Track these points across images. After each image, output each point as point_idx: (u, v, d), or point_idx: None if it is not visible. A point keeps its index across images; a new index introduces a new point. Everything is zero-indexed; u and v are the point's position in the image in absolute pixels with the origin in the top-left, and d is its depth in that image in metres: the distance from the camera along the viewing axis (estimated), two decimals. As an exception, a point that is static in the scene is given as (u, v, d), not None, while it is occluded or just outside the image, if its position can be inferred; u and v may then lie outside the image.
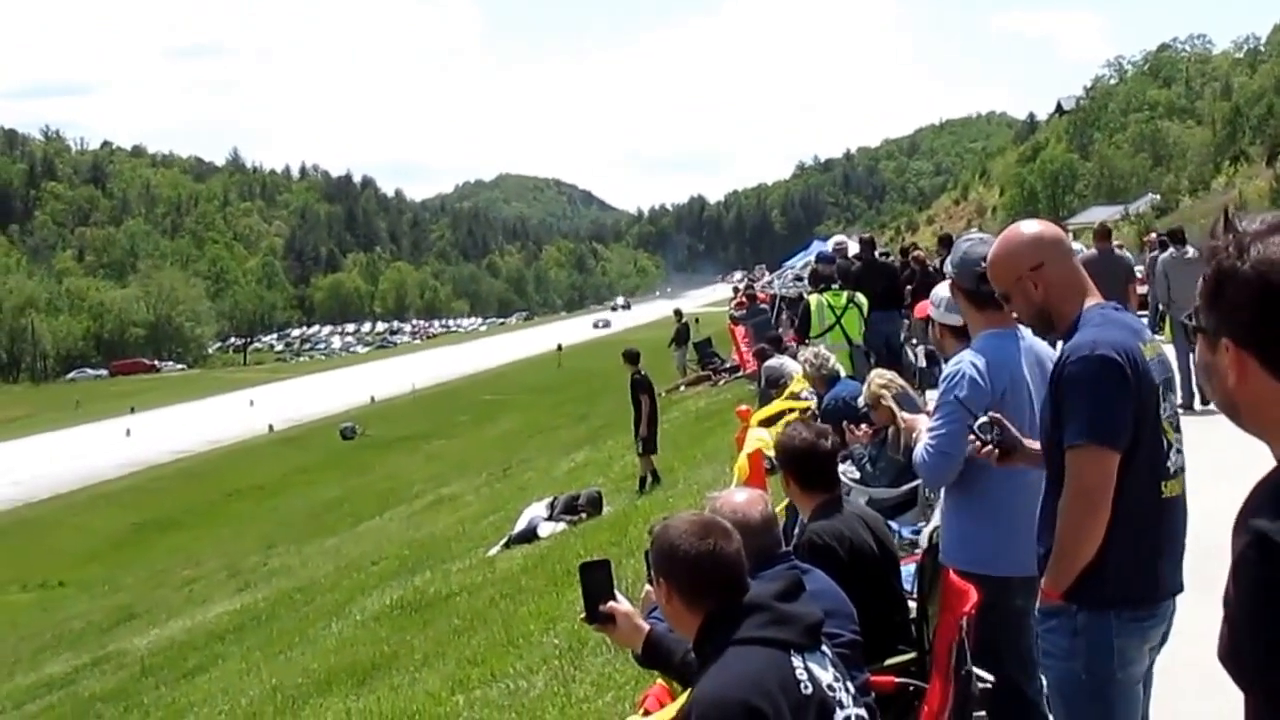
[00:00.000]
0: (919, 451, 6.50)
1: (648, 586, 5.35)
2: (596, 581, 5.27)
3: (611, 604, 5.25)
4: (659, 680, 5.62)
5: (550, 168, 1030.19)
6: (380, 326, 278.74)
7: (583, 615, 5.34)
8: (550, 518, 21.06)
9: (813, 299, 18.96)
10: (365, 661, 14.74)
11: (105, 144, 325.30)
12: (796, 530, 7.51)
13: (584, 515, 20.87)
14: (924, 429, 6.60)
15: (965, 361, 6.25)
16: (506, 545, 20.71)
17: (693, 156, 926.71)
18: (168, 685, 19.13)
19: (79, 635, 31.15)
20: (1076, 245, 20.96)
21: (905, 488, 10.41)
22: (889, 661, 6.19)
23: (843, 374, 13.25)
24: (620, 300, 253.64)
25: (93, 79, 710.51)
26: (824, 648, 4.38)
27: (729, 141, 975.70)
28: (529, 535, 20.65)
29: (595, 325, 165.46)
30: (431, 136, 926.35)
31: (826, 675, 4.26)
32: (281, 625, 21.24)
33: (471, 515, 29.40)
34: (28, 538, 53.73)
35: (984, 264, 6.02)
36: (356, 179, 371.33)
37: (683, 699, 5.01)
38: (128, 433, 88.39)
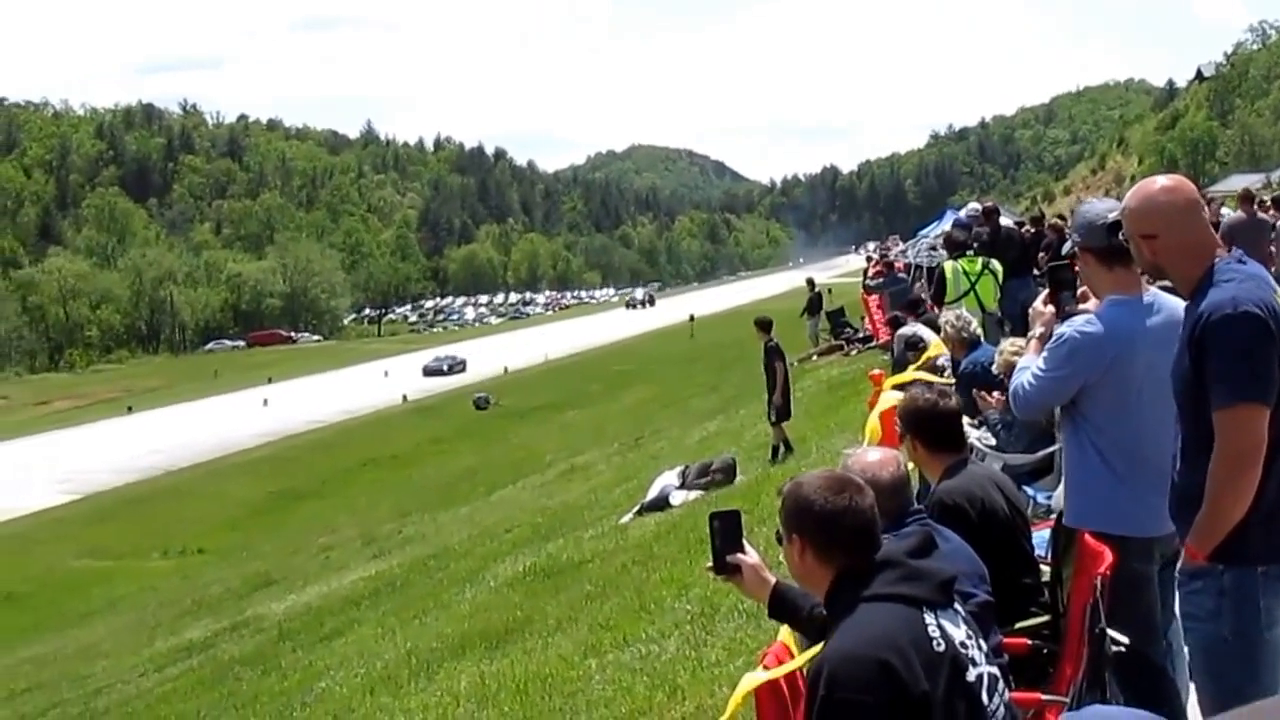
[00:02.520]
0: (1018, 380, 6.44)
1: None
2: (725, 532, 5.25)
3: (739, 555, 5.24)
4: (780, 637, 5.60)
5: (682, 138, 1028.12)
6: (513, 297, 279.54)
7: (709, 565, 5.33)
8: (682, 485, 21.08)
9: (948, 265, 18.84)
10: (498, 626, 14.83)
11: (241, 117, 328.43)
12: (928, 495, 7.46)
13: (716, 477, 20.86)
14: (1031, 355, 6.53)
15: (1076, 326, 6.16)
16: (639, 513, 20.74)
17: (826, 126, 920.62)
18: (305, 649, 19.34)
19: (218, 601, 31.57)
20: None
21: (1041, 453, 10.33)
22: (1021, 624, 6.15)
23: (983, 339, 13.16)
24: (639, 294, 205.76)
25: (225, 52, 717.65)
26: (956, 605, 4.35)
27: (862, 110, 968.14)
28: (661, 503, 20.66)
29: (430, 372, 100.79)
30: (563, 107, 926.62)
31: (959, 633, 4.23)
32: (416, 591, 21.40)
33: (604, 484, 29.49)
34: (167, 506, 54.54)
35: (1110, 215, 5.95)
36: (489, 150, 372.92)
37: (803, 656, 5.00)
38: (265, 403, 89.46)
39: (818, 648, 4.73)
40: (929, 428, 6.72)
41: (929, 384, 9.04)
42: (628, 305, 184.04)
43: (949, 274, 18.54)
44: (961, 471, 6.64)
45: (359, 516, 43.85)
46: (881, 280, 36.95)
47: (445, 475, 49.86)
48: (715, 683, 9.08)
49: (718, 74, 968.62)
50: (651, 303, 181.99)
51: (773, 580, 5.24)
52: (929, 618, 4.18)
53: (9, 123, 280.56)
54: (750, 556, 5.25)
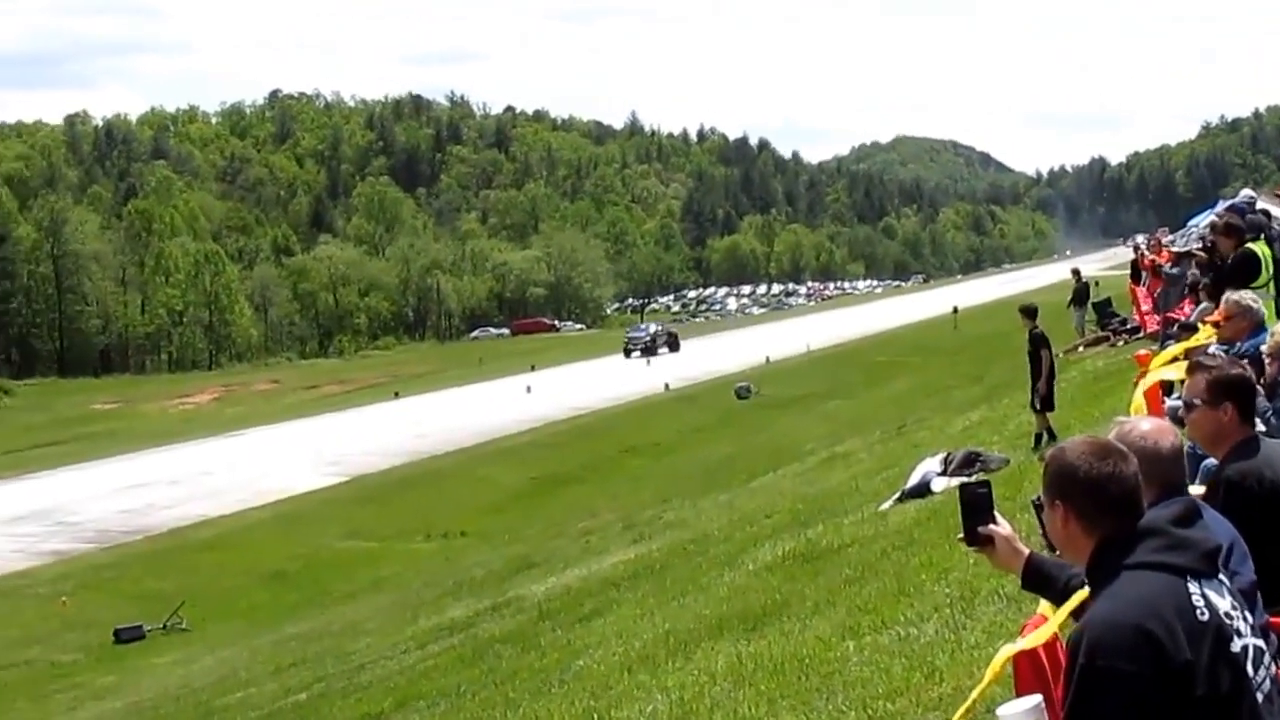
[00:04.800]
0: None
1: None
2: (976, 503, 5.21)
3: (991, 526, 5.19)
4: (1040, 609, 5.54)
5: (948, 129, 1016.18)
6: (776, 288, 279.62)
7: (960, 536, 5.30)
8: (944, 473, 20.90)
9: (1257, 246, 18.19)
10: (756, 608, 14.87)
11: (508, 108, 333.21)
12: (1199, 472, 7.33)
13: (989, 465, 20.65)
14: None
15: None
16: (899, 500, 20.64)
17: (1093, 116, 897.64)
18: (564, 628, 19.54)
19: (479, 582, 32.01)
20: None
21: (1313, 440, 10.02)
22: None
23: (1268, 325, 12.82)
24: (649, 329, 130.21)
25: (488, 44, 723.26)
26: (1221, 576, 4.27)
27: (1131, 100, 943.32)
28: (922, 490, 20.53)
29: None
30: (828, 98, 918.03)
31: (1224, 603, 4.15)
32: (675, 574, 21.51)
33: (864, 471, 29.38)
34: (431, 489, 55.44)
35: None
36: (753, 141, 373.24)
37: (1055, 619, 4.93)
38: (528, 389, 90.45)
39: (1073, 602, 4.69)
40: (1245, 396, 6.56)
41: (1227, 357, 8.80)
42: (626, 352, 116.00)
43: (1261, 255, 17.90)
44: (1254, 448, 6.48)
45: (619, 502, 44.24)
46: (1179, 269, 36.14)
47: (705, 462, 50.07)
48: (974, 665, 9.00)
49: (984, 63, 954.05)
50: (672, 345, 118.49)
51: (1025, 551, 5.19)
52: (1193, 587, 4.12)
53: (283, 114, 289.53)
54: (1003, 527, 5.21)
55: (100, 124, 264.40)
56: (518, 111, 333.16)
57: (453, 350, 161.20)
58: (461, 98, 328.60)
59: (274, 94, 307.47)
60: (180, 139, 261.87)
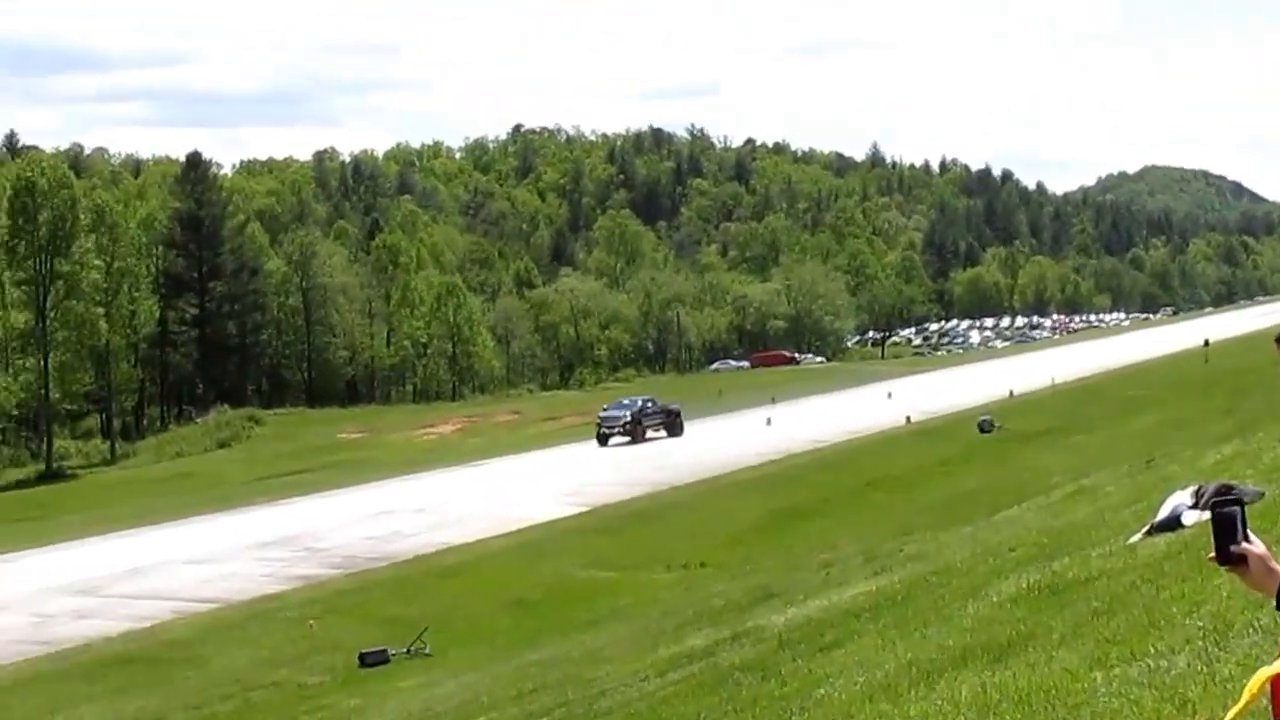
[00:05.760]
0: None
1: None
2: (1228, 521, 5.06)
3: (1244, 545, 5.04)
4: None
5: (1198, 158, 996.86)
6: (1019, 321, 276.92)
7: (1211, 555, 5.15)
8: (1195, 505, 20.44)
9: None
10: (1001, 640, 14.64)
11: (748, 141, 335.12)
12: None
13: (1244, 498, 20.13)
14: None
15: None
16: (1148, 533, 20.23)
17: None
18: (804, 658, 19.42)
19: (719, 612, 31.96)
20: None
21: None
22: None
23: None
24: (634, 405, 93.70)
25: (725, 78, 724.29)
26: None
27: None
28: (1172, 523, 20.07)
29: None
30: (1073, 128, 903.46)
31: None
32: (916, 605, 21.28)
33: (1111, 505, 28.85)
34: (671, 520, 55.63)
35: None
36: (996, 172, 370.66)
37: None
38: (768, 422, 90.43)
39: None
40: None
41: None
42: (601, 438, 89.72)
43: None
44: None
45: (860, 534, 44.00)
46: None
47: (947, 496, 49.70)
48: (1228, 697, 8.74)
49: (1234, 89, 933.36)
50: (671, 427, 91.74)
51: None
52: None
53: (526, 149, 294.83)
54: (1257, 546, 5.06)
55: (347, 160, 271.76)
56: (757, 144, 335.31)
57: (692, 382, 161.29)
58: (701, 131, 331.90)
59: (516, 129, 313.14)
60: (425, 174, 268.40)
